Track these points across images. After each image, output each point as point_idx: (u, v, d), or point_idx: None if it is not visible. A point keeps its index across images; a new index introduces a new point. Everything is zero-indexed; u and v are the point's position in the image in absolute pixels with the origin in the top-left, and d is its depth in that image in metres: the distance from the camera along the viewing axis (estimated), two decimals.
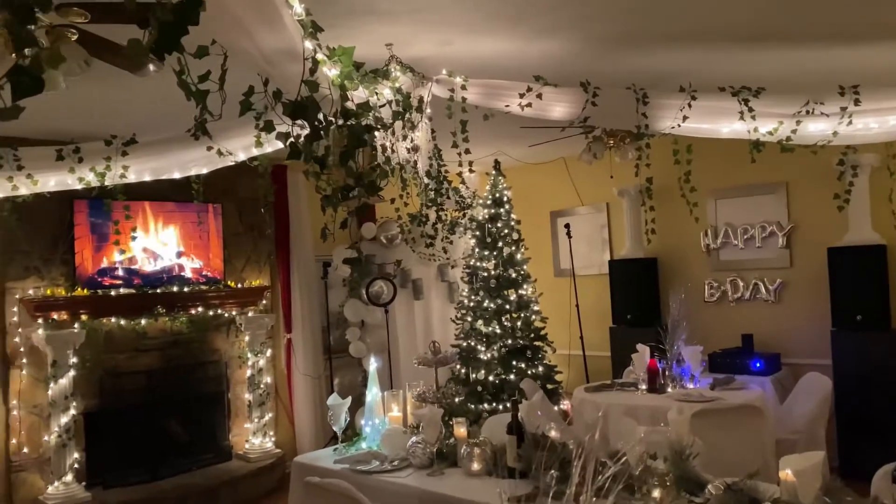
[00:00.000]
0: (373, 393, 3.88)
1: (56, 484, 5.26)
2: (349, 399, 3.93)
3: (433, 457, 3.36)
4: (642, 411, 4.57)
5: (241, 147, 3.84)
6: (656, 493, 2.69)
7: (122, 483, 5.62)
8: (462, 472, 3.28)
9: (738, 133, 3.84)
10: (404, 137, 3.53)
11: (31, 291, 5.38)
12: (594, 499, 2.85)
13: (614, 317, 7.13)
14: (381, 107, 2.82)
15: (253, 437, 6.47)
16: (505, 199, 6.97)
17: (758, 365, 5.97)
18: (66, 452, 5.30)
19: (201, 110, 1.87)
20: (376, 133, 3.00)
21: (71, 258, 5.53)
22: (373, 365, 3.98)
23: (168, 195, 5.80)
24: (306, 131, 1.87)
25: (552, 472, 3.07)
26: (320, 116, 1.83)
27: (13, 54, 1.32)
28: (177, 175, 4.00)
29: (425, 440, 3.37)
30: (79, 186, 3.76)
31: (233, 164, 4.07)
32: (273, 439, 6.60)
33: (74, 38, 2.69)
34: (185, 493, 5.62)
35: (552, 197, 8.01)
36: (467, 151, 3.61)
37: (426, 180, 4.34)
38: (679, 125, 3.76)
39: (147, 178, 3.91)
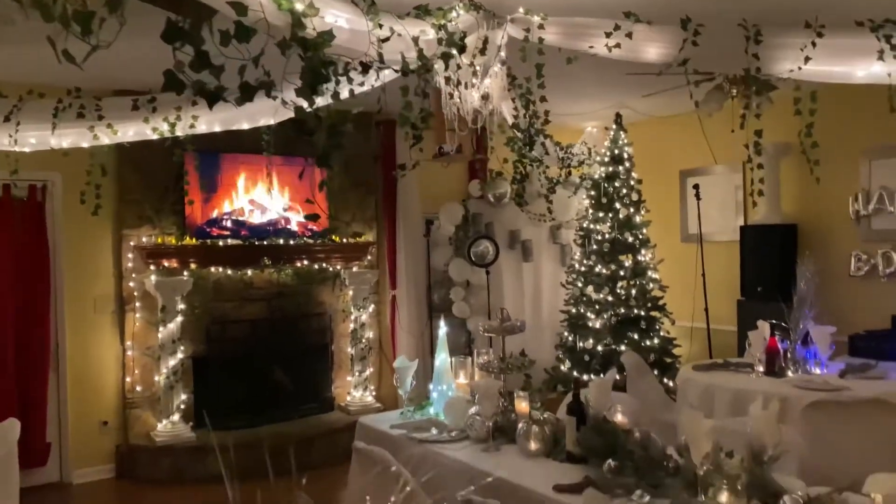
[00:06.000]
0: (441, 358, 3.71)
1: (164, 422, 5.56)
2: (416, 362, 3.79)
3: (490, 431, 3.12)
4: (754, 396, 4.07)
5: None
6: (723, 498, 2.29)
7: (226, 427, 5.76)
8: (518, 450, 3.02)
9: (875, 77, 3.19)
10: (473, 84, 3.22)
11: (144, 239, 5.65)
12: (647, 497, 2.51)
13: (743, 289, 6.44)
14: (383, 41, 2.51)
15: (354, 391, 6.52)
16: (625, 156, 6.46)
17: None
18: (173, 394, 5.57)
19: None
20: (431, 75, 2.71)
21: (181, 208, 5.73)
22: (442, 329, 3.78)
23: (276, 149, 5.78)
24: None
25: (609, 461, 2.76)
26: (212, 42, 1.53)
27: None
28: (245, 125, 3.94)
29: (482, 413, 3.13)
30: (154, 136, 3.80)
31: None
32: (374, 393, 6.62)
33: None
34: (284, 440, 5.71)
35: (683, 155, 7.28)
36: (543, 99, 3.24)
37: (516, 133, 4.02)
38: (800, 68, 3.17)
39: (217, 128, 3.88)
